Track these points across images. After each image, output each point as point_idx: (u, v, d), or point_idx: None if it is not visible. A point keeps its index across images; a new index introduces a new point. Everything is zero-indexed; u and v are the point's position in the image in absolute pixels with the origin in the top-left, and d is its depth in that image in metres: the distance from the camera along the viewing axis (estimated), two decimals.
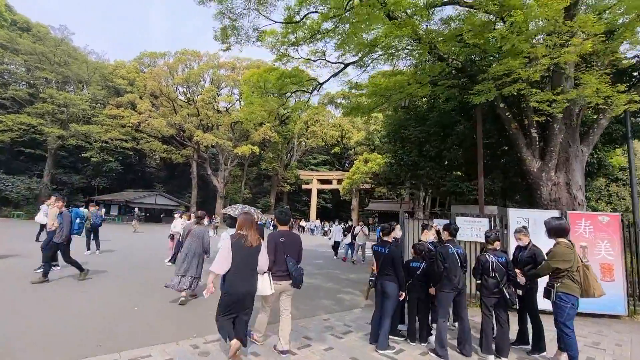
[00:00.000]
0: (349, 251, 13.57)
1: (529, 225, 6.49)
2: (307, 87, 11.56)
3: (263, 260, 3.75)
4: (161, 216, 39.17)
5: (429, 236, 4.85)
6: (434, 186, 10.82)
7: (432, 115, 10.21)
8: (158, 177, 47.73)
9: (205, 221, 20.16)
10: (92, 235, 10.65)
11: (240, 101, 34.15)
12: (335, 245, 14.28)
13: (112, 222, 32.71)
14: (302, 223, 27.71)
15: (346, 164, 38.14)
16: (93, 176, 35.42)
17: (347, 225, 15.99)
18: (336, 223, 20.92)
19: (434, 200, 11.33)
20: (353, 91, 10.56)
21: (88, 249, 10.52)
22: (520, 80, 5.91)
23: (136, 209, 15.98)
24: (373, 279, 4.18)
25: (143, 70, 37.88)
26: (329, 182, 47.52)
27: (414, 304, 4.43)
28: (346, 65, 10.64)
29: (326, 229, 28.65)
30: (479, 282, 4.20)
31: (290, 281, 3.95)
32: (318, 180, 47.26)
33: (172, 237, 9.95)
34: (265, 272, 3.79)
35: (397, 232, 4.39)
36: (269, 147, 39.61)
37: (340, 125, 34.93)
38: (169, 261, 9.36)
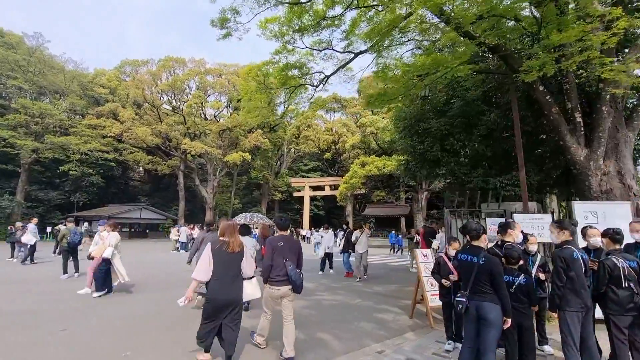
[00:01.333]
0: (347, 262, 10.51)
1: (597, 219, 5.54)
2: (312, 81, 10.48)
3: (247, 265, 3.77)
4: (147, 231, 37.11)
5: (514, 236, 3.78)
6: (458, 184, 9.83)
7: (454, 106, 9.29)
8: (142, 190, 45.64)
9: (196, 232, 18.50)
10: (69, 256, 9.13)
11: (228, 107, 32.86)
12: (327, 257, 10.99)
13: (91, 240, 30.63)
14: (303, 232, 25.99)
15: (339, 170, 37.19)
16: (72, 192, 33.20)
17: (345, 230, 11.68)
18: (322, 229, 14.07)
19: (452, 200, 10.31)
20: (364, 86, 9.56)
21: (65, 272, 8.97)
22: (588, 49, 5.00)
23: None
24: (463, 299, 3.05)
25: (125, 79, 36.13)
26: (321, 188, 46.43)
27: (514, 334, 3.28)
28: (356, 55, 9.66)
29: (311, 236, 25.02)
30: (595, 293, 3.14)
31: (290, 286, 3.87)
32: (310, 187, 46.13)
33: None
34: (252, 277, 3.84)
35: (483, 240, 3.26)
36: (258, 155, 38.28)
37: (333, 130, 33.97)
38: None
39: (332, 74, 10.21)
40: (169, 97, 35.32)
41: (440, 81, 9.23)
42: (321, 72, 10.24)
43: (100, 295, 6.84)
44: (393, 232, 15.57)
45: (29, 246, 11.61)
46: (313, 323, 5.24)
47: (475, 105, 8.90)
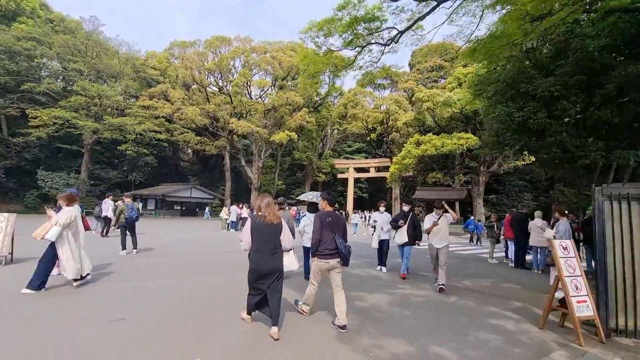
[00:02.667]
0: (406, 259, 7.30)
1: None
2: (380, 38, 8.97)
3: (286, 238, 3.92)
4: (196, 210, 38.47)
5: None
6: (564, 160, 7.93)
7: (567, 61, 7.30)
8: (191, 171, 47.36)
9: (244, 211, 18.14)
10: (127, 232, 8.85)
11: (274, 86, 32.09)
12: (383, 248, 7.96)
13: (148, 216, 32.24)
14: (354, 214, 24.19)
15: (386, 151, 35.15)
16: (129, 171, 35.13)
17: (407, 213, 7.59)
18: (377, 210, 11.00)
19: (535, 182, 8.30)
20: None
21: (123, 248, 8.73)
22: None
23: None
24: None
25: (174, 61, 36.75)
26: (366, 170, 44.73)
27: None
28: (439, 3, 7.97)
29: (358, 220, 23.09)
30: None
31: (339, 259, 4.01)
32: (354, 168, 44.67)
33: None
34: (290, 250, 4.15)
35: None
36: (302, 136, 37.40)
37: (382, 107, 31.78)
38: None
39: (407, 29, 8.60)
40: (216, 78, 35.34)
41: (553, 29, 7.34)
42: (393, 27, 8.68)
43: (30, 292, 4.82)
44: (472, 217, 13.33)
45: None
46: (415, 329, 4.09)
47: (599, 58, 6.90)
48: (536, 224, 8.63)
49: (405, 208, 7.65)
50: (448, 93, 20.23)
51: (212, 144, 34.55)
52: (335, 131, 47.64)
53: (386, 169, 42.08)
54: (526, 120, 7.70)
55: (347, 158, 49.23)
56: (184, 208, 35.27)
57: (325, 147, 47.80)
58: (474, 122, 22.20)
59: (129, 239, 8.89)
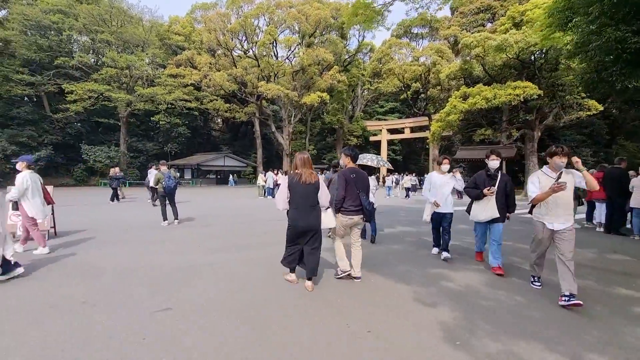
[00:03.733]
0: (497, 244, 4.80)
1: None
2: None
3: (323, 196, 3.91)
4: (234, 176, 39.02)
5: None
6: None
7: None
8: (223, 140, 47.63)
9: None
10: (166, 201, 8.45)
11: (301, 44, 30.08)
12: (443, 225, 5.51)
13: (186, 185, 33.05)
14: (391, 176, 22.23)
15: (425, 108, 32.59)
16: (164, 142, 35.77)
17: (492, 169, 4.90)
18: (444, 167, 14.11)
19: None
20: None
21: (165, 219, 8.37)
22: None
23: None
24: None
25: (197, 25, 35.44)
26: (400, 131, 42.50)
27: None
28: None
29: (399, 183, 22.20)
30: None
31: (362, 215, 4.09)
32: (387, 130, 42.60)
33: None
34: (327, 207, 3.99)
35: None
36: (333, 98, 35.54)
37: (421, 60, 28.84)
38: None
39: None
40: (240, 40, 33.81)
41: None
42: None
43: None
44: None
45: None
46: (546, 327, 3.09)
47: None
48: None
49: (494, 163, 4.76)
50: (503, 35, 17.54)
51: (242, 111, 33.88)
52: (366, 91, 45.05)
53: (422, 129, 39.64)
54: None
55: (380, 119, 46.89)
56: (219, 176, 35.82)
57: (356, 109, 45.64)
58: (532, 68, 19.45)
59: (169, 209, 8.50)
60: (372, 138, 43.69)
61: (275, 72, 30.84)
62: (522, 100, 17.95)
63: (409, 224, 9.29)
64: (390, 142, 44.16)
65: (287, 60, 33.36)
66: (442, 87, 27.64)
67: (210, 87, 30.19)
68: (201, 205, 13.89)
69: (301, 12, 27.47)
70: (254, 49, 31.54)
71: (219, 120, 49.97)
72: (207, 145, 43.04)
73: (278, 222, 8.77)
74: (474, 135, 23.11)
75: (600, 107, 19.43)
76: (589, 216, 9.15)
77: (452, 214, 5.44)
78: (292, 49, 30.63)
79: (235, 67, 30.48)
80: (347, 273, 4.22)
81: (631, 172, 7.84)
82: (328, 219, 4.00)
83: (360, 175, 4.18)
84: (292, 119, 34.13)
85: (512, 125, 22.95)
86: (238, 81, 30.70)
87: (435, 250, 5.78)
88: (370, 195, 6.92)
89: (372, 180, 6.60)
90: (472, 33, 22.72)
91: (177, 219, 8.59)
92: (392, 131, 43.11)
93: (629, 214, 7.69)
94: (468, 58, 20.95)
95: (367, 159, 7.36)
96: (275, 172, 19.66)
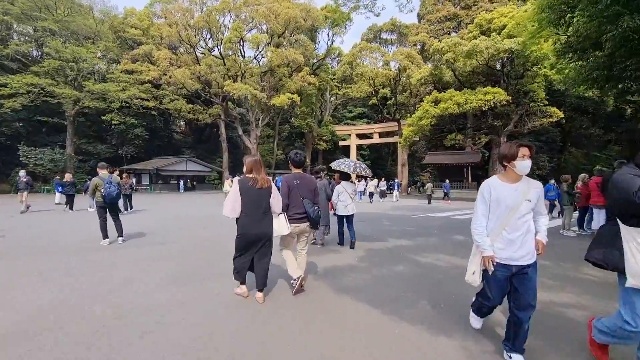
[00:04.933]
0: None
1: None
2: None
3: (275, 201, 3.70)
4: (194, 183, 36.67)
5: None
6: None
7: None
8: (185, 143, 44.96)
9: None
10: (106, 214, 6.85)
11: (270, 44, 28.90)
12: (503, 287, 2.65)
13: (144, 192, 30.40)
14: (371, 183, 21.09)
15: (395, 113, 32.74)
16: (119, 145, 32.78)
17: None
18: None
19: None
20: None
21: (105, 236, 6.73)
22: None
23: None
24: None
25: (157, 20, 33.03)
26: (369, 136, 42.69)
27: None
28: None
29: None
30: None
31: (308, 222, 4.00)
32: (356, 135, 42.63)
33: None
34: (280, 214, 3.78)
35: None
36: (302, 101, 34.73)
37: (392, 64, 28.86)
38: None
39: None
40: (205, 38, 31.96)
41: None
42: None
43: None
44: (552, 182, 10.22)
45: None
46: None
47: None
48: None
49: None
50: (474, 41, 17.74)
51: (206, 112, 31.93)
52: (334, 97, 44.86)
53: (390, 134, 39.99)
54: None
55: (348, 124, 46.89)
56: (180, 182, 33.36)
57: (325, 114, 45.27)
58: (499, 75, 19.96)
59: (111, 223, 6.83)
60: (341, 143, 43.52)
61: (243, 72, 29.36)
62: (492, 105, 18.27)
63: (396, 232, 8.57)
64: (359, 147, 44.19)
65: (255, 61, 32.02)
66: (411, 92, 27.85)
67: (171, 86, 28.08)
68: (158, 215, 12.11)
69: (270, 10, 26.37)
70: (219, 47, 29.84)
71: (182, 122, 47.14)
72: (169, 148, 40.20)
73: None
74: (444, 140, 23.33)
75: (561, 115, 20.37)
76: (581, 223, 8.92)
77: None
78: (261, 48, 29.39)
79: (199, 64, 28.63)
80: (299, 278, 3.92)
81: None
82: (280, 226, 3.75)
83: (305, 181, 4.05)
84: (260, 122, 32.76)
85: (479, 131, 23.46)
86: (202, 80, 28.80)
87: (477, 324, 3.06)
88: (349, 200, 6.63)
89: (349, 185, 6.82)
90: (439, 40, 23.06)
91: (121, 236, 6.93)
92: (361, 136, 43.18)
93: None
94: (439, 64, 21.12)
95: (344, 165, 7.03)
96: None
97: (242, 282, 3.75)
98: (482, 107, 17.96)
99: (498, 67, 19.95)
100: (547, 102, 19.74)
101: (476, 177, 29.95)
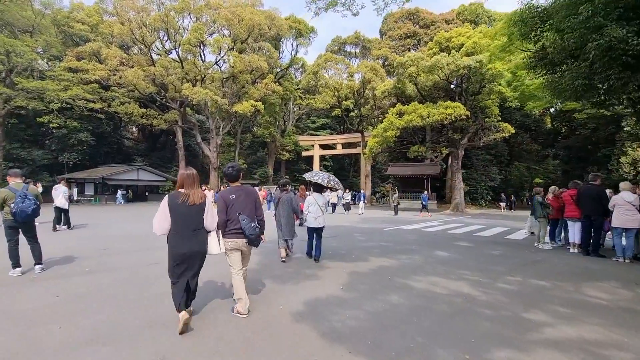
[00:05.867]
0: None
1: None
2: None
3: (209, 218, 3.51)
4: (146, 194, 33.90)
5: None
6: None
7: None
8: (137, 150, 41.71)
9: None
10: (17, 235, 5.38)
11: (232, 49, 27.88)
12: None
13: (87, 203, 27.41)
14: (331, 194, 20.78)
15: (359, 124, 33.12)
16: (59, 151, 29.34)
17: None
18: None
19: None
20: None
21: (15, 265, 5.33)
22: None
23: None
24: None
25: (107, 17, 30.58)
26: (332, 147, 42.96)
27: None
28: None
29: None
30: None
31: (246, 239, 3.76)
32: (320, 145, 42.74)
33: None
34: (213, 231, 3.60)
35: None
36: (265, 110, 33.93)
37: (356, 77, 29.21)
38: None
39: None
40: (162, 40, 30.12)
41: None
42: None
43: None
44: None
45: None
46: None
47: None
48: (624, 198, 6.62)
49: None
50: (435, 57, 18.37)
51: (161, 118, 29.84)
52: (297, 107, 44.69)
53: (353, 145, 40.50)
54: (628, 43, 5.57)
55: (312, 134, 46.85)
56: (119, 192, 30.25)
57: (288, 124, 44.82)
58: (457, 90, 20.88)
59: (26, 248, 5.38)
60: (304, 153, 43.26)
61: (203, 76, 27.96)
62: (453, 119, 18.93)
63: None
64: (322, 158, 44.25)
65: (216, 66, 30.74)
66: (374, 105, 28.33)
67: (122, 87, 25.87)
68: (97, 232, 10.27)
69: (234, 15, 25.51)
70: (177, 49, 28.22)
71: (134, 128, 43.90)
72: (118, 156, 36.91)
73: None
74: (407, 152, 23.81)
75: (513, 130, 21.71)
76: (553, 235, 9.01)
77: None
78: (222, 53, 28.28)
79: (154, 65, 26.78)
80: (239, 312, 3.71)
81: (609, 191, 7.66)
82: (211, 245, 3.51)
83: (242, 195, 3.83)
84: (221, 130, 31.32)
85: (440, 144, 24.28)
86: (157, 83, 26.90)
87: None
88: (319, 212, 6.52)
89: (321, 197, 6.72)
90: (402, 56, 23.79)
91: (39, 263, 5.52)
92: (324, 147, 43.32)
93: (605, 234, 7.58)
94: (402, 77, 21.65)
95: (318, 177, 7.10)
96: (203, 187, 17.06)
97: (181, 309, 3.33)
98: (444, 121, 18.58)
99: (457, 83, 20.90)
100: (499, 118, 20.96)
101: (435, 189, 30.99)
